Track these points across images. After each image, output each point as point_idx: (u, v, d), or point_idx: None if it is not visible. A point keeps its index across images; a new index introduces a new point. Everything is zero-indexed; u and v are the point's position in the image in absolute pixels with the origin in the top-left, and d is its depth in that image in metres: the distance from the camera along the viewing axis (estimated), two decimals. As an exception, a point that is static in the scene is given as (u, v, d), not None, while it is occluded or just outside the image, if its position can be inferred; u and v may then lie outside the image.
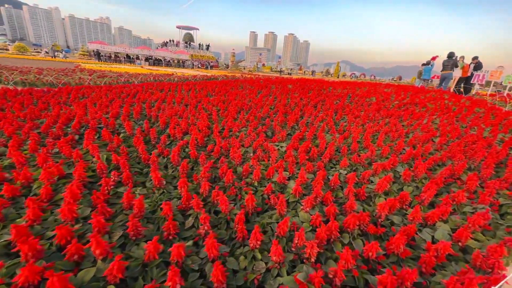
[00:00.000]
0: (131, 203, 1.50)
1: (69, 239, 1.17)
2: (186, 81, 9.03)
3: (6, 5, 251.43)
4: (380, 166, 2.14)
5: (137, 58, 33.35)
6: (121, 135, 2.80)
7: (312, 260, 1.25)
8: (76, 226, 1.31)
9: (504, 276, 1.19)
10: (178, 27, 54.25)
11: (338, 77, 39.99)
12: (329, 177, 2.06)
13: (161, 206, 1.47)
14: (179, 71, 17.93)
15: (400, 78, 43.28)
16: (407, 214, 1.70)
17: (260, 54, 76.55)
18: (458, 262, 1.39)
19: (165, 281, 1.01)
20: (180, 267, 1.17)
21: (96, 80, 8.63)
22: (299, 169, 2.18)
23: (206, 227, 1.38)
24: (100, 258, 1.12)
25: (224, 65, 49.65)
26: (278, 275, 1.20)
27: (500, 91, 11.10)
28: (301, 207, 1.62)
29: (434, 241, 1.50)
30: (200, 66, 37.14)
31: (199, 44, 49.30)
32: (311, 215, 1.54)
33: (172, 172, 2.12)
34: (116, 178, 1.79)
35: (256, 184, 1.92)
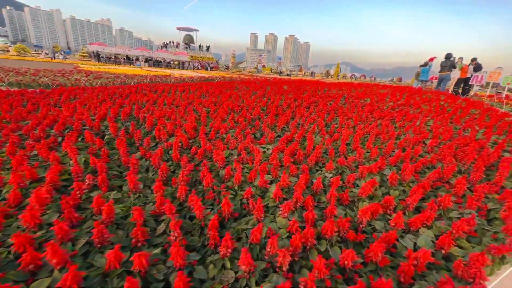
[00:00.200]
0: (102, 208, 1.44)
1: (28, 247, 1.12)
2: (182, 82, 9.00)
3: (7, 7, 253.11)
4: (366, 169, 2.08)
5: (137, 59, 33.39)
6: (106, 137, 2.76)
7: (284, 269, 1.19)
8: (39, 233, 1.25)
9: (484, 287, 1.13)
10: (178, 29, 54.37)
11: (337, 78, 39.99)
12: (313, 180, 2.00)
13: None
14: (178, 72, 17.93)
15: (400, 79, 43.32)
16: (391, 219, 1.64)
17: (260, 55, 76.61)
18: (440, 271, 1.32)
19: (123, 292, 0.95)
20: (143, 277, 1.11)
21: (92, 81, 8.61)
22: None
23: (176, 234, 1.33)
24: (58, 268, 1.06)
25: (224, 66, 49.73)
26: (246, 285, 1.14)
27: (500, 92, 11.03)
28: (279, 212, 1.56)
29: (416, 248, 1.43)
30: (200, 68, 37.19)
31: (199, 46, 49.40)
32: (289, 221, 1.48)
33: (153, 175, 2.07)
34: (91, 182, 1.74)
35: (236, 188, 1.86)
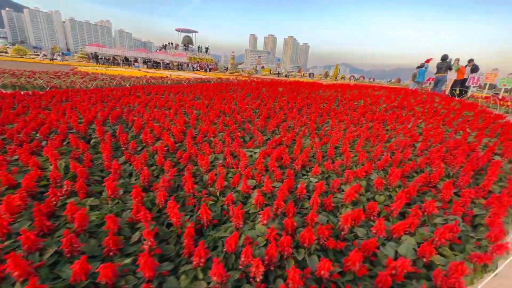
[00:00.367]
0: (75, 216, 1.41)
1: (-8, 258, 1.08)
2: (177, 84, 8.97)
3: (7, 8, 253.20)
4: (352, 174, 2.05)
5: (136, 61, 33.38)
6: (92, 141, 2.72)
7: (258, 279, 1.16)
8: (7, 243, 1.22)
9: (462, 299, 1.10)
10: (177, 30, 54.47)
11: (336, 79, 40.09)
12: (298, 185, 1.97)
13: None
14: (175, 74, 17.91)
15: (399, 80, 43.45)
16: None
17: (259, 56, 76.74)
18: (420, 280, 1.29)
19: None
20: (110, 289, 1.08)
21: (87, 83, 8.58)
22: (268, 177, 2.10)
23: (149, 243, 1.29)
24: (20, 280, 1.03)
25: (224, 68, 49.80)
26: (218, 297, 1.11)
27: (498, 93, 11.04)
28: (259, 219, 1.53)
29: (397, 256, 1.40)
30: (199, 69, 37.20)
31: (198, 47, 49.46)
32: (268, 228, 1.45)
33: (135, 180, 2.04)
34: (69, 188, 1.70)
35: (218, 193, 1.83)
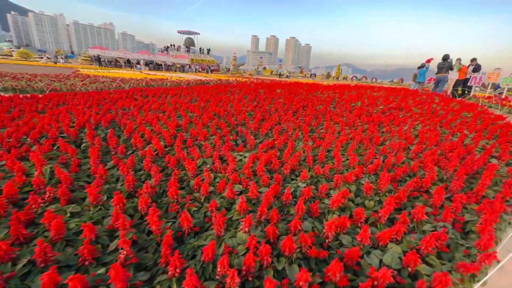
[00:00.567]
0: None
1: (-39, 269, 1.06)
2: (176, 86, 8.98)
3: (12, 12, 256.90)
4: (341, 179, 2.00)
5: (138, 63, 33.58)
6: (83, 145, 2.72)
7: (233, 291, 1.12)
8: (-20, 252, 1.20)
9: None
10: (179, 32, 54.76)
11: (337, 79, 39.97)
12: (285, 191, 1.93)
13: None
14: (176, 76, 17.98)
15: (402, 80, 43.16)
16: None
17: (261, 57, 76.84)
18: (404, 292, 1.25)
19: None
20: (80, 301, 1.05)
21: (87, 86, 8.63)
22: (256, 182, 2.06)
23: (125, 252, 1.27)
24: (-12, 292, 1.01)
25: (225, 69, 49.92)
26: (190, 309, 1.07)
27: (501, 93, 10.88)
28: (241, 226, 1.49)
29: (381, 265, 1.36)
30: (201, 70, 37.31)
31: (200, 48, 49.61)
32: (248, 236, 1.41)
33: (121, 186, 2.01)
34: (51, 194, 1.69)
35: (202, 199, 1.80)
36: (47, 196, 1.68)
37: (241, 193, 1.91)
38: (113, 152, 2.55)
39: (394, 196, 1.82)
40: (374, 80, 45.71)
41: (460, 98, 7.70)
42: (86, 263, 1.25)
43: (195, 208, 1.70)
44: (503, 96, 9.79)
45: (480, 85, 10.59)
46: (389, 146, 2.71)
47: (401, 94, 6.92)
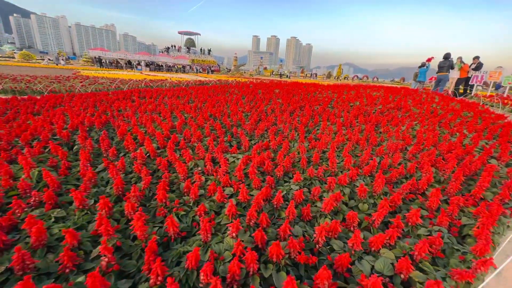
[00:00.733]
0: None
1: None
2: (175, 87, 8.96)
3: (15, 14, 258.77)
4: (334, 181, 1.96)
5: (138, 64, 33.66)
6: (75, 147, 2.69)
7: (216, 300, 1.08)
8: (-44, 260, 1.17)
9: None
10: (180, 33, 54.94)
11: (337, 79, 39.90)
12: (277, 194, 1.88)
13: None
14: (176, 76, 17.97)
15: (403, 80, 42.96)
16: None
17: (261, 57, 76.85)
18: (395, 300, 1.20)
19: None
20: (56, 311, 1.01)
21: (86, 87, 8.63)
22: (247, 185, 2.02)
23: (107, 259, 1.23)
24: (-41, 302, 0.97)
25: (226, 69, 50.00)
26: (171, 320, 1.03)
27: (504, 92, 10.75)
28: (228, 232, 1.45)
29: (373, 272, 1.31)
30: (201, 71, 37.34)
31: (201, 49, 49.70)
32: (235, 242, 1.37)
33: (111, 189, 1.98)
34: (37, 198, 1.65)
35: (191, 203, 1.76)
36: (32, 200, 1.64)
37: (231, 196, 1.86)
38: (104, 155, 2.51)
39: (389, 199, 1.77)
40: (375, 79, 45.56)
41: (461, 97, 7.60)
42: (67, 270, 1.21)
43: (183, 212, 1.66)
44: (505, 95, 9.67)
45: (482, 84, 10.46)
46: (386, 147, 2.65)
47: (401, 93, 6.84)
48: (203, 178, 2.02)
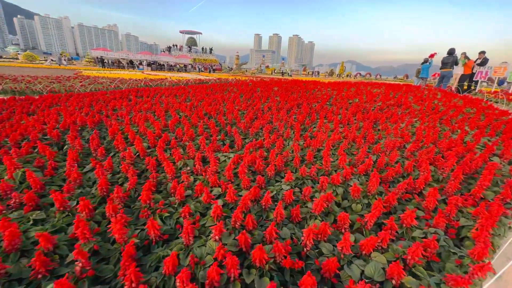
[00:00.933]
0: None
1: None
2: (174, 86, 8.92)
3: (18, 16, 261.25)
4: (327, 180, 1.88)
5: (140, 63, 33.72)
6: (65, 147, 2.64)
7: (193, 309, 1.02)
8: None
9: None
10: (182, 32, 54.98)
11: (338, 76, 39.65)
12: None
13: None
14: (176, 75, 17.94)
15: (407, 77, 42.49)
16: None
17: (263, 56, 76.59)
18: (385, 307, 1.13)
19: None
20: (21, 320, 0.96)
21: (86, 87, 8.63)
22: (237, 185, 1.96)
23: (81, 264, 1.17)
24: None
25: (228, 68, 49.91)
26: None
27: (510, 88, 10.51)
28: (212, 234, 1.39)
29: (363, 277, 1.24)
30: (203, 70, 37.31)
31: (202, 48, 49.67)
32: (217, 246, 1.30)
33: (96, 190, 1.92)
34: (17, 200, 1.61)
35: (177, 204, 1.70)
36: (12, 202, 1.59)
37: (219, 197, 1.80)
38: (94, 154, 2.46)
39: (383, 199, 1.69)
40: (378, 76, 45.12)
41: (464, 94, 7.43)
42: (39, 276, 1.16)
43: (167, 214, 1.60)
44: (510, 91, 9.46)
45: (487, 79, 10.22)
46: (383, 145, 2.56)
47: (402, 90, 6.70)
48: (191, 178, 1.96)
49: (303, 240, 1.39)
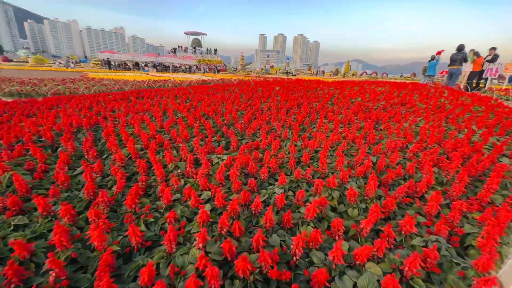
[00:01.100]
0: (-14, 239, 1.26)
1: None
2: (177, 87, 8.92)
3: (29, 20, 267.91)
4: (322, 183, 1.78)
5: (146, 65, 34.09)
6: (59, 149, 2.62)
7: (167, 325, 0.94)
8: None
9: None
10: (186, 33, 55.29)
11: (344, 75, 39.26)
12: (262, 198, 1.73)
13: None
14: (179, 76, 18.01)
15: (414, 75, 41.69)
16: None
17: (268, 56, 76.51)
18: (379, 324, 1.03)
19: None
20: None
21: (90, 89, 8.72)
22: (228, 188, 1.88)
23: (55, 273, 1.11)
24: None
25: (233, 68, 50.02)
26: None
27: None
28: (195, 242, 1.31)
29: (355, 290, 1.14)
30: (208, 71, 37.45)
31: (207, 49, 49.86)
32: (199, 254, 1.23)
33: (83, 193, 1.88)
34: (1, 204, 1.57)
35: (163, 209, 1.63)
36: (-4, 206, 1.56)
37: (208, 201, 1.73)
38: (86, 157, 2.43)
39: (378, 204, 1.58)
40: (385, 75, 44.41)
41: (473, 91, 7.18)
42: (11, 286, 1.11)
43: (152, 219, 1.53)
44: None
45: (497, 77, 9.87)
46: (383, 146, 2.45)
47: (407, 88, 6.52)
48: (180, 181, 1.89)
49: (292, 249, 1.31)
